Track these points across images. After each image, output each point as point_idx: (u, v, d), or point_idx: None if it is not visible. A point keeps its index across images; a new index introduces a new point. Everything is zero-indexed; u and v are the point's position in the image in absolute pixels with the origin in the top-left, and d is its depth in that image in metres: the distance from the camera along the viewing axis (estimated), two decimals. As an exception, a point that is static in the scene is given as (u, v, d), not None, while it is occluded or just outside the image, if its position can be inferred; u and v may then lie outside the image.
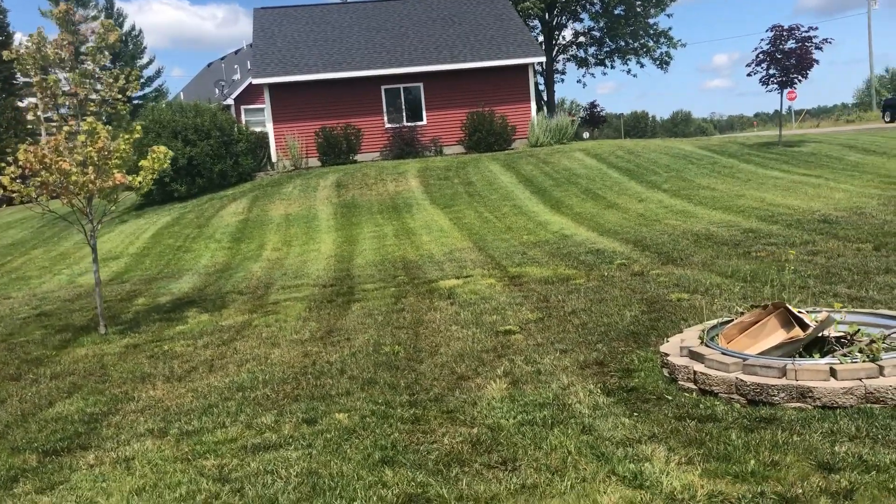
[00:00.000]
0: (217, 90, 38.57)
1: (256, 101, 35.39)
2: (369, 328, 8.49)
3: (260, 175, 24.69)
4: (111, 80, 9.75)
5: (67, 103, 9.61)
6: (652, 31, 41.38)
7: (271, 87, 25.24)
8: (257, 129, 26.55)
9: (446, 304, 9.38)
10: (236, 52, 46.37)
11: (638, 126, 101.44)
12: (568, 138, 26.24)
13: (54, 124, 9.64)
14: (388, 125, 26.01)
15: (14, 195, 9.40)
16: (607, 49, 43.46)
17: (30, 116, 9.50)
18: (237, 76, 39.44)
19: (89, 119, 9.29)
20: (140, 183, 9.79)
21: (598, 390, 5.41)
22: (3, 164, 9.33)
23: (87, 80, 9.67)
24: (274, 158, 25.53)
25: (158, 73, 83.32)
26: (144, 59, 64.60)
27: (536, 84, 27.25)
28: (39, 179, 9.28)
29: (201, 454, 4.94)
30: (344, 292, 11.00)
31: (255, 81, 25.26)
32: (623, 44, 42.18)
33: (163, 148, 9.85)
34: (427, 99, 26.13)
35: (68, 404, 6.68)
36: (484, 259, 12.49)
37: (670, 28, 58.33)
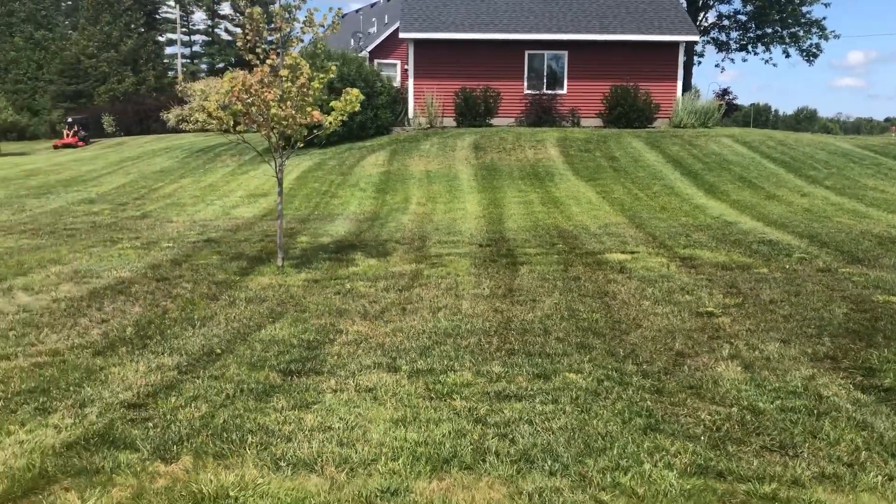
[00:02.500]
0: (353, 41, 38.97)
1: (390, 55, 35.63)
2: (552, 293, 8.39)
3: (396, 130, 24.88)
4: (312, 19, 9.85)
5: (272, 38, 9.77)
6: (804, 20, 39.20)
7: (416, 42, 25.27)
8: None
9: (623, 279, 9.18)
10: (372, 6, 46.70)
11: (758, 119, 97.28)
12: (713, 122, 25.29)
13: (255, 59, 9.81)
14: (527, 91, 25.68)
15: (213, 122, 9.69)
16: (751, 35, 41.51)
17: (239, 44, 9.65)
18: (373, 29, 39.73)
19: (294, 54, 9.43)
20: (330, 123, 9.91)
21: (851, 386, 5.15)
22: (200, 90, 9.59)
23: (291, 17, 9.79)
24: (410, 115, 25.66)
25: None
26: (276, 6, 65.83)
27: (685, 63, 26.25)
28: (239, 108, 9.52)
29: (445, 394, 4.97)
30: (504, 254, 10.93)
31: (402, 35, 25.32)
32: (770, 30, 40.17)
33: (355, 91, 9.92)
34: (570, 68, 25.63)
35: (278, 329, 6.87)
36: (644, 237, 12.19)
37: (824, 18, 55.08)
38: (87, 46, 49.02)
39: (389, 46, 35.54)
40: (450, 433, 4.28)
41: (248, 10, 9.58)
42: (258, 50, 9.72)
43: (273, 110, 9.32)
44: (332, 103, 9.95)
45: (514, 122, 25.52)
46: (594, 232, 12.66)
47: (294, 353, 6.02)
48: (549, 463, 3.91)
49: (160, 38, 59.76)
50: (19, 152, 36.79)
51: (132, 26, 52.12)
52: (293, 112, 9.33)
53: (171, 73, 56.08)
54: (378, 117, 23.78)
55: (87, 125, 39.48)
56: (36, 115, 49.57)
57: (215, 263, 10.28)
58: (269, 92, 9.17)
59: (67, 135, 37.27)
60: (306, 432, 4.34)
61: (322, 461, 3.93)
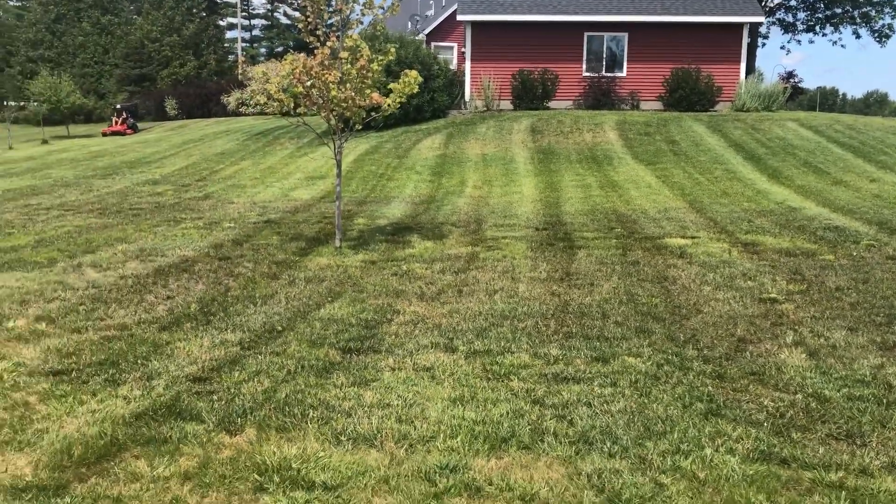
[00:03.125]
0: (410, 24, 38.98)
1: (447, 38, 35.54)
2: (610, 277, 8.31)
3: (452, 113, 24.84)
4: (371, 1, 9.87)
5: (332, 20, 9.84)
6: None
7: (473, 24, 25.14)
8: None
9: (683, 263, 9.03)
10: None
11: (825, 103, 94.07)
12: (777, 106, 24.57)
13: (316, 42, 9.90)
14: (585, 73, 25.34)
15: (274, 104, 9.82)
16: (820, 15, 40.12)
17: (301, 26, 9.75)
18: (430, 12, 39.66)
19: (354, 36, 9.48)
20: (389, 105, 9.95)
21: (924, 376, 4.98)
22: (261, 72, 9.72)
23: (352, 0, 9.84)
24: (467, 98, 25.59)
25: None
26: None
27: (748, 45, 25.55)
28: (299, 91, 9.63)
29: (502, 375, 4.98)
30: (561, 237, 10.85)
31: (460, 17, 25.22)
32: (840, 10, 38.74)
33: (414, 73, 9.93)
34: (630, 50, 25.18)
35: (336, 308, 6.96)
36: (705, 222, 11.95)
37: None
38: (150, 31, 50.12)
39: (446, 29, 35.44)
40: (508, 413, 4.29)
41: (309, -8, 9.65)
42: (318, 32, 9.81)
43: (333, 92, 9.40)
44: (391, 85, 9.99)
45: (571, 104, 25.23)
46: (653, 216, 12.47)
47: (353, 332, 6.10)
48: (608, 445, 3.89)
49: (221, 23, 60.74)
50: (86, 134, 37.93)
51: (194, 10, 53.10)
52: (353, 94, 9.39)
53: (230, 57, 56.98)
54: (434, 100, 23.78)
55: (135, 112, 39.14)
56: (102, 98, 50.97)
57: (275, 244, 10.46)
58: (330, 74, 9.25)
59: (116, 122, 36.68)
60: (366, 408, 4.40)
61: (381, 437, 3.99)
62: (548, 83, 24.58)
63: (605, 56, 25.45)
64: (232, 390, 4.70)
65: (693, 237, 10.74)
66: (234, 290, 7.70)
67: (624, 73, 25.29)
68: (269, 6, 67.76)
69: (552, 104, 24.99)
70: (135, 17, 55.66)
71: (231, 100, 41.33)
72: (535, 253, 9.80)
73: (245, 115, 40.47)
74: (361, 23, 10.02)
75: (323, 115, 9.73)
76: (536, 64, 24.83)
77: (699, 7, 24.80)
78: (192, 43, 51.08)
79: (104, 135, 35.33)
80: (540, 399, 4.54)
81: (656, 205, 13.56)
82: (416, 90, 10.04)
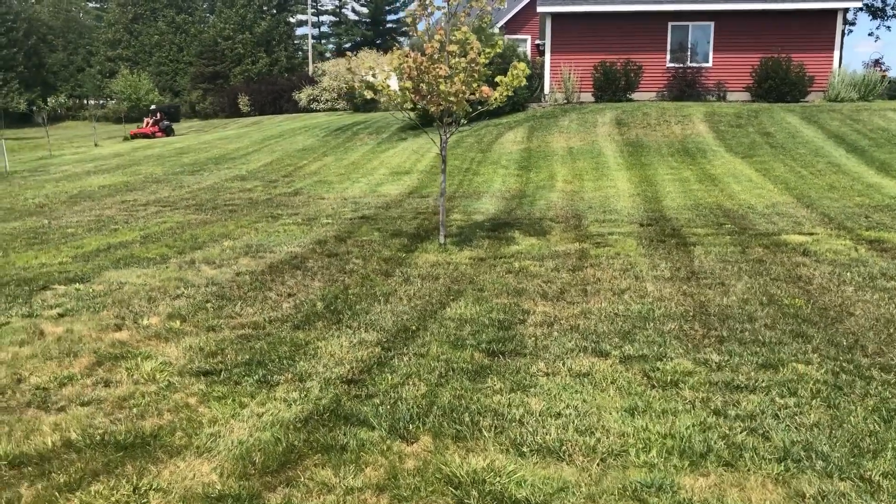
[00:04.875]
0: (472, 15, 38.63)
1: (521, 30, 35.13)
2: (739, 276, 7.90)
3: (532, 106, 24.48)
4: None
5: (440, 12, 9.65)
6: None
7: (553, 16, 24.70)
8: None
9: (811, 262, 8.55)
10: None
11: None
12: (874, 95, 23.47)
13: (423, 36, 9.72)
14: (669, 64, 24.65)
15: (383, 99, 9.69)
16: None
17: (408, 20, 9.62)
18: (505, 4, 39.26)
19: (464, 29, 9.26)
20: (496, 99, 9.72)
21: None
22: (371, 67, 9.59)
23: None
24: (546, 90, 25.18)
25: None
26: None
27: (842, 32, 24.46)
28: (408, 85, 9.47)
29: (668, 383, 4.69)
30: (670, 234, 10.45)
31: (540, 9, 24.82)
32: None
33: (522, 65, 9.66)
34: (716, 39, 24.37)
35: (463, 307, 6.76)
36: (819, 218, 11.38)
37: None
38: (223, 29, 51.07)
39: (520, 21, 35.03)
40: (693, 426, 4.01)
41: (418, -15, 9.49)
42: (424, 25, 9.64)
43: (442, 87, 9.21)
44: (498, 78, 9.74)
45: (654, 96, 24.59)
46: (762, 212, 11.95)
47: (489, 333, 5.89)
48: (819, 463, 3.58)
49: (291, 20, 61.52)
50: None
51: (265, 8, 53.86)
52: (463, 88, 9.19)
53: (300, 54, 57.64)
54: (514, 93, 23.39)
55: (172, 114, 37.59)
56: (177, 95, 52.21)
57: (377, 240, 10.34)
58: (441, 68, 9.06)
59: (147, 123, 34.71)
60: (537, 417, 4.18)
61: (567, 449, 3.76)
62: (631, 74, 23.99)
63: (690, 46, 24.70)
64: (390, 394, 4.53)
65: (811, 234, 10.22)
66: (353, 288, 7.59)
67: (710, 64, 24.50)
68: (336, 2, 68.32)
69: (634, 96, 24.40)
70: (208, 15, 56.78)
71: (302, 96, 41.80)
72: (649, 250, 9.44)
73: (317, 110, 40.93)
74: (468, 15, 9.81)
75: (432, 109, 9.55)
76: (618, 55, 24.25)
77: (790, -7, 23.84)
78: (263, 40, 51.86)
79: (132, 136, 33.39)
80: (720, 410, 4.25)
81: (762, 199, 13.01)
82: (524, 83, 9.78)
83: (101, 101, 57.28)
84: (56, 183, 18.47)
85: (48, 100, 29.34)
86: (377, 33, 65.42)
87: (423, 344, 5.61)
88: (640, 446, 3.75)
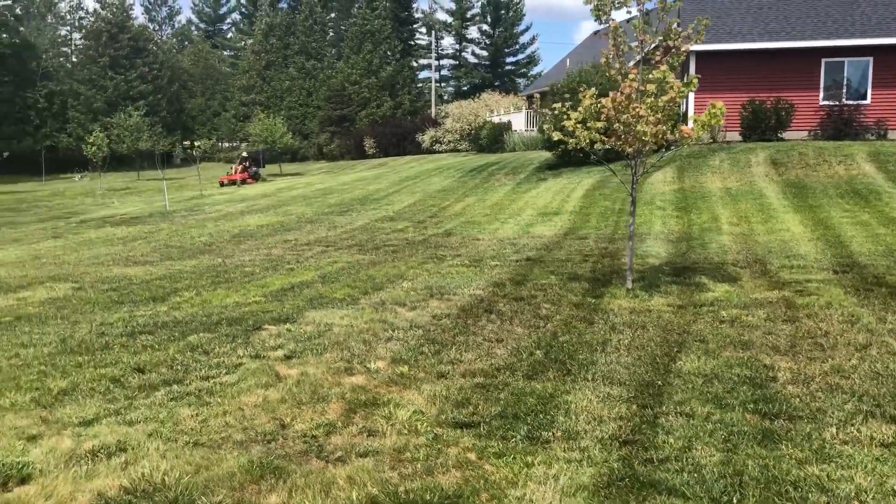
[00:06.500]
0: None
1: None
2: None
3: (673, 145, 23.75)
4: (675, 29, 9.32)
5: (633, 51, 9.39)
6: None
7: (698, 54, 24.04)
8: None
9: None
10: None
11: None
12: None
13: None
14: (823, 102, 23.47)
15: (571, 141, 9.45)
16: None
17: (602, 60, 9.43)
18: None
19: (663, 68, 8.96)
20: (696, 138, 9.32)
21: None
22: (566, 109, 9.38)
23: (653, 28, 9.34)
24: (689, 129, 24.42)
25: (532, 40, 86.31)
26: (522, 26, 67.21)
27: None
28: (598, 126, 9.22)
29: None
30: (875, 282, 9.61)
31: (684, 48, 24.18)
32: None
33: (720, 103, 9.23)
34: (875, 75, 23.05)
35: (696, 361, 6.30)
36: None
37: None
38: (350, 74, 52.76)
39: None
40: None
41: (610, 24, 9.29)
42: (618, 65, 9.40)
43: (639, 127, 8.91)
44: (694, 116, 9.36)
45: (806, 135, 23.42)
46: (973, 259, 10.91)
47: (745, 392, 5.41)
48: None
49: (413, 64, 63.08)
50: (295, 172, 40.17)
51: (389, 53, 55.36)
52: (664, 128, 8.85)
53: (421, 97, 58.83)
54: (657, 133, 22.81)
55: (259, 161, 37.68)
56: (306, 138, 54.15)
57: (556, 283, 10.03)
58: (641, 108, 8.76)
59: (236, 170, 34.59)
60: (873, 496, 3.68)
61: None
62: (782, 113, 22.95)
63: (845, 82, 23.45)
64: (684, 460, 4.14)
65: None
66: (560, 336, 7.27)
67: (868, 101, 23.16)
68: (457, 46, 69.64)
69: (785, 135, 23.31)
70: (336, 61, 58.93)
71: (426, 137, 42.47)
72: (861, 299, 8.70)
73: (438, 151, 41.44)
74: (669, 50, 9.49)
75: (628, 149, 9.25)
76: (766, 93, 23.28)
77: (961, 25, 22.33)
78: (388, 84, 53.21)
79: (221, 184, 32.98)
80: None
81: (965, 245, 11.92)
82: (721, 122, 9.33)
83: (235, 143, 60.16)
84: (215, 222, 19.20)
85: (196, 143, 30.83)
86: (496, 75, 66.19)
87: (680, 402, 5.20)
88: None
